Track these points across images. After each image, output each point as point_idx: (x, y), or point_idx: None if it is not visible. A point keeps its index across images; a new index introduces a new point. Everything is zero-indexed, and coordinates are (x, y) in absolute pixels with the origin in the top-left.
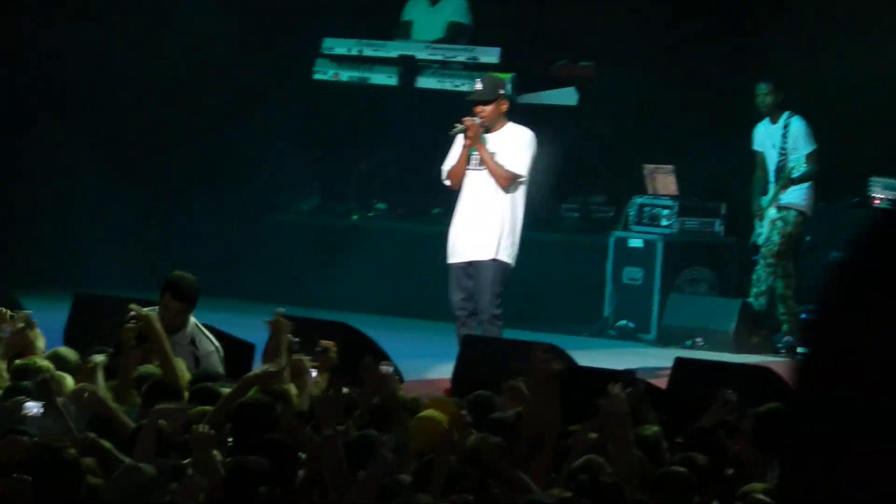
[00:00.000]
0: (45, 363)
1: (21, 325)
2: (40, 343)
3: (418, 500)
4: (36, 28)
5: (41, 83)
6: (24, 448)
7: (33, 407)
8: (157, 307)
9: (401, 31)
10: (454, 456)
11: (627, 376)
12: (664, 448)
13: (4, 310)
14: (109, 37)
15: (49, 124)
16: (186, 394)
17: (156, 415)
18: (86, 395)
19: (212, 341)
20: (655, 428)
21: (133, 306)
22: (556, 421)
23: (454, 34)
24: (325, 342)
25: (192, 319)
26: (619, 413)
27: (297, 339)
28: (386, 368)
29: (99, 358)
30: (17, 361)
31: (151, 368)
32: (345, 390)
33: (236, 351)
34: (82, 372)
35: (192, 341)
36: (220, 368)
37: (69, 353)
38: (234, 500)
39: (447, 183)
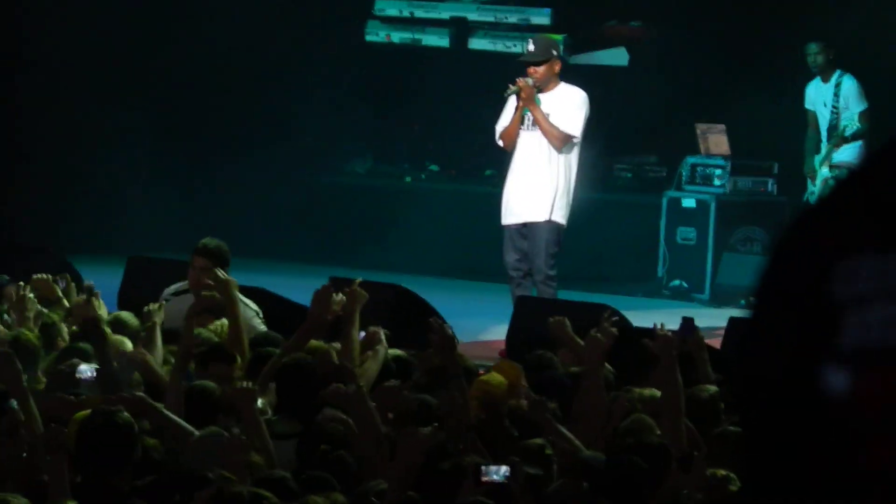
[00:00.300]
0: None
1: (85, 295)
2: (102, 312)
3: (470, 461)
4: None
5: (86, 53)
6: (72, 407)
7: (86, 370)
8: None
9: None
10: (505, 418)
11: (685, 324)
12: (721, 409)
13: (46, 276)
14: (156, 2)
15: (97, 93)
16: (240, 359)
17: (178, 371)
18: (135, 356)
19: (250, 307)
20: (713, 388)
21: (217, 270)
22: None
23: None
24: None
25: None
26: (667, 352)
27: None
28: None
29: (157, 317)
30: (75, 327)
31: (206, 333)
32: (395, 352)
33: (292, 314)
34: (142, 337)
35: None
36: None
37: (129, 318)
38: (307, 463)
39: (500, 144)
